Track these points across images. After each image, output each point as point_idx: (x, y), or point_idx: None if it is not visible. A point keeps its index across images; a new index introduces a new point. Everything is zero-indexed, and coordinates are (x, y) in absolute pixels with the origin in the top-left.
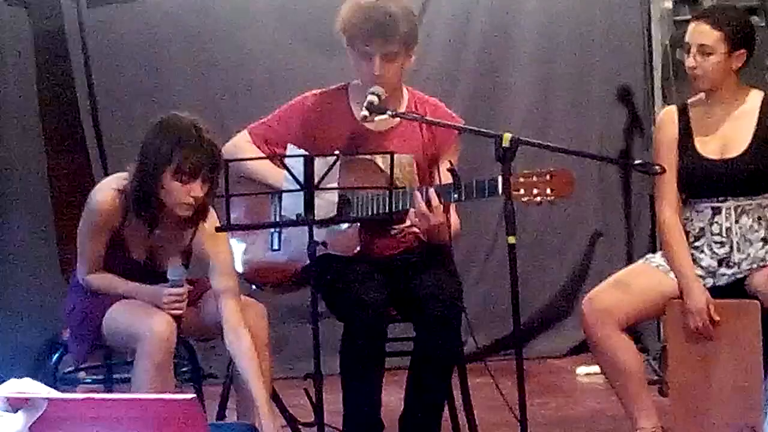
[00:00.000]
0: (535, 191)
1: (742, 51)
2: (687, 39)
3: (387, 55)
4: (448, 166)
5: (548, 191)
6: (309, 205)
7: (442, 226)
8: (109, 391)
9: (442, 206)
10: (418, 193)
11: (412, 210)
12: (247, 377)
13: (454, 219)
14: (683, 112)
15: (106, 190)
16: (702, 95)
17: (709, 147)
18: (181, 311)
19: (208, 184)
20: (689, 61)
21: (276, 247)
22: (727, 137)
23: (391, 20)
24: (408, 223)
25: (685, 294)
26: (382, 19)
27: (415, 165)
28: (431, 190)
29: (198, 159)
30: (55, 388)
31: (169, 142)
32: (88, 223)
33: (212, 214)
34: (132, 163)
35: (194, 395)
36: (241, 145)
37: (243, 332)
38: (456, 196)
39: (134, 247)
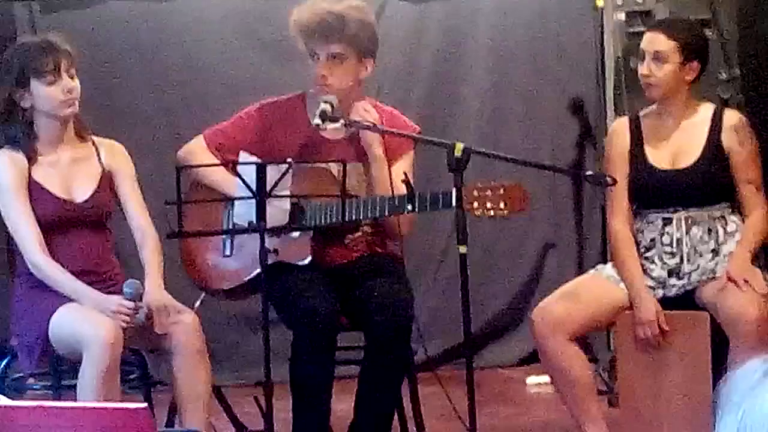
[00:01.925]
0: (488, 205)
1: (696, 63)
2: (642, 47)
3: (332, 56)
4: (403, 177)
5: (502, 205)
6: (261, 212)
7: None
8: (58, 397)
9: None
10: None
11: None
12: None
13: (404, 221)
14: (635, 124)
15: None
16: (654, 107)
17: (660, 157)
18: (126, 324)
19: (74, 78)
20: (643, 69)
21: (228, 253)
22: (678, 148)
23: (337, 21)
24: (360, 232)
25: (635, 304)
26: (328, 19)
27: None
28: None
29: (54, 57)
30: (3, 395)
31: (20, 56)
32: (5, 191)
33: (111, 143)
34: None
35: (145, 404)
36: (195, 151)
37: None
38: (410, 207)
39: (51, 185)
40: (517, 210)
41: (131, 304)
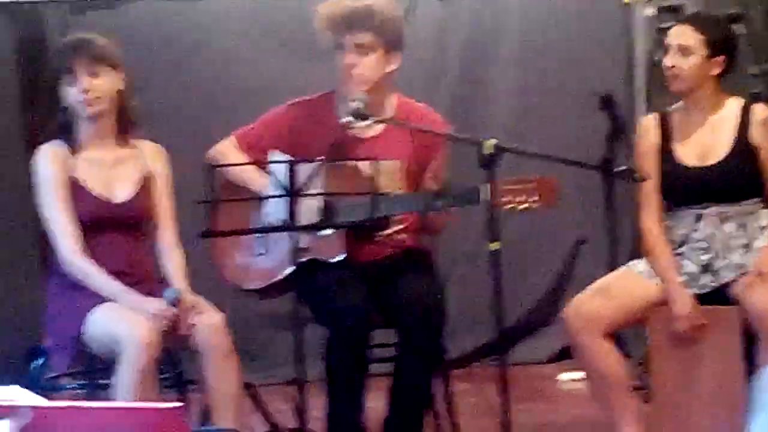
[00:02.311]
0: (519, 198)
1: (722, 57)
2: (668, 40)
3: (359, 46)
4: (433, 174)
5: (533, 199)
6: (292, 210)
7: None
8: (92, 397)
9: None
10: None
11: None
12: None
13: (439, 218)
14: (664, 120)
15: (41, 150)
16: (681, 103)
17: (688, 154)
18: (164, 328)
19: (98, 76)
20: (667, 60)
21: (260, 252)
22: (706, 144)
23: (364, 10)
24: (391, 230)
25: (671, 299)
26: (355, 9)
27: (402, 171)
28: None
29: (71, 56)
30: (38, 395)
31: (54, 58)
32: (45, 187)
33: (153, 146)
34: None
35: (179, 403)
36: (225, 151)
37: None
38: (440, 203)
39: (92, 184)
40: (549, 204)
41: (172, 309)
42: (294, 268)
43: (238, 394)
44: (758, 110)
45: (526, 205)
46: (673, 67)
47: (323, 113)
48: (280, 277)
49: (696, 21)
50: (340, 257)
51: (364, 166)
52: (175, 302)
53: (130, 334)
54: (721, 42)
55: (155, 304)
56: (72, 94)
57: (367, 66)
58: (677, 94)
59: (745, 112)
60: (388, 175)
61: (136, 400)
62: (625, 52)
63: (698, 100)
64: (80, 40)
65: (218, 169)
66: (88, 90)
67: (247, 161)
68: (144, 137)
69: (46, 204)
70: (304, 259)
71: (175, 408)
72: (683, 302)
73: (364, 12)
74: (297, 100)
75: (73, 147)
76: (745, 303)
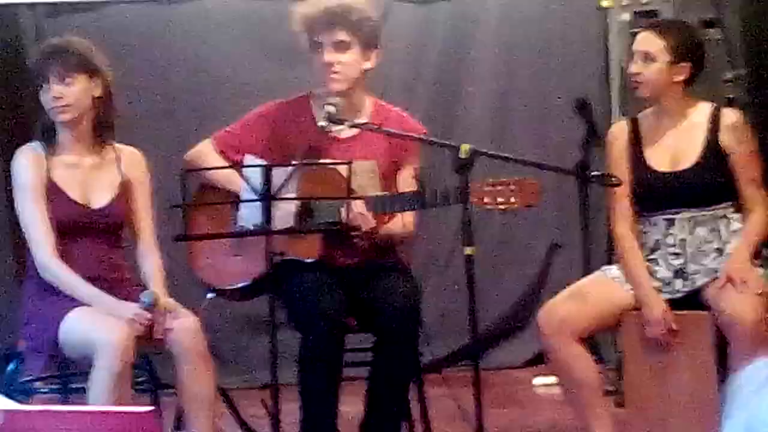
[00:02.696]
0: (499, 199)
1: (686, 63)
2: (633, 47)
3: (337, 44)
4: (412, 175)
5: (512, 199)
6: (267, 214)
7: (376, 232)
8: (66, 401)
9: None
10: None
11: (352, 209)
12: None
13: (407, 219)
14: (634, 126)
15: (20, 152)
16: (651, 109)
17: (659, 160)
18: (139, 332)
19: (70, 83)
20: (632, 67)
21: (237, 252)
22: (677, 149)
23: (341, 9)
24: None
25: (643, 304)
26: (332, 7)
27: (377, 172)
28: (356, 202)
29: (42, 62)
30: (11, 398)
31: (35, 61)
32: (23, 190)
33: (133, 152)
34: None
35: (152, 407)
36: (204, 153)
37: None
38: (419, 203)
39: (70, 189)
40: (528, 204)
41: (148, 314)
42: (269, 269)
43: (212, 398)
44: (728, 114)
45: (504, 206)
46: (637, 73)
47: (300, 115)
48: (255, 276)
49: (659, 27)
50: (314, 257)
51: (340, 167)
52: (151, 306)
53: (105, 338)
54: (685, 48)
55: (131, 308)
56: (42, 99)
57: (347, 63)
58: (643, 100)
59: (715, 116)
60: (365, 174)
61: (110, 404)
62: (601, 56)
63: (666, 106)
64: (54, 46)
65: (194, 172)
66: (59, 97)
67: (223, 165)
68: (123, 142)
69: (23, 208)
70: (279, 260)
71: (148, 412)
72: (656, 307)
73: (341, 10)
74: (274, 102)
75: (53, 150)
76: (716, 308)
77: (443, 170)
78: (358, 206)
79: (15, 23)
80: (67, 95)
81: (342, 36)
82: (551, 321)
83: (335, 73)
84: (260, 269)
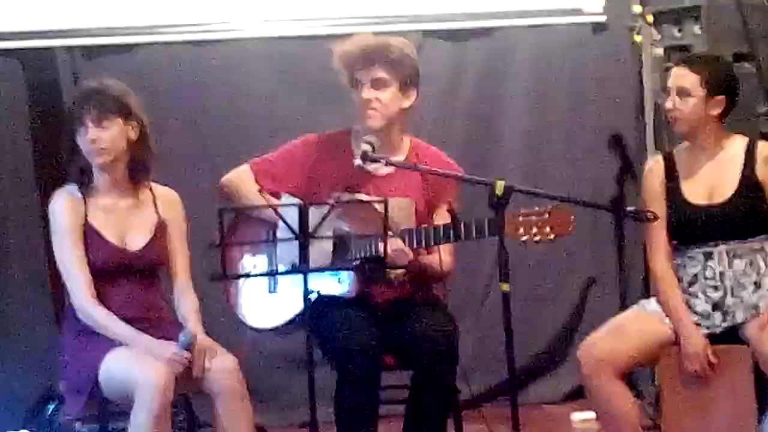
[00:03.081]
0: (534, 230)
1: (721, 97)
2: (668, 83)
3: (375, 81)
4: (448, 207)
5: (547, 229)
6: (304, 254)
7: (415, 267)
8: None
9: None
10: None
11: (391, 241)
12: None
13: (445, 258)
14: (669, 160)
15: (57, 195)
16: (686, 143)
17: (696, 193)
18: (178, 372)
19: (107, 125)
20: (668, 103)
21: (272, 290)
22: (713, 183)
23: (381, 47)
24: (402, 269)
25: (683, 338)
26: (372, 45)
27: (413, 209)
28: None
29: (79, 105)
30: None
31: (71, 104)
32: (61, 233)
33: (168, 192)
34: None
35: None
36: (240, 178)
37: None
38: (454, 235)
39: (107, 231)
40: (563, 234)
41: (186, 354)
42: (305, 310)
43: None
44: (763, 147)
45: (539, 237)
46: (673, 109)
47: (339, 149)
48: (292, 316)
49: (693, 62)
50: (352, 294)
51: (376, 204)
52: (189, 345)
53: (144, 378)
54: (720, 82)
55: (170, 348)
56: (80, 142)
57: (385, 101)
58: (680, 135)
59: (750, 149)
60: (402, 212)
61: None
62: (634, 92)
63: (702, 140)
64: (90, 89)
65: (230, 190)
66: (95, 140)
67: (259, 203)
68: (158, 182)
69: (61, 251)
70: (314, 297)
71: None
72: (694, 342)
73: (380, 48)
74: (315, 135)
75: (89, 192)
76: (757, 346)
77: (478, 208)
78: (396, 242)
79: (53, 65)
80: (103, 139)
81: (380, 74)
82: (591, 358)
83: (372, 109)
84: (296, 306)
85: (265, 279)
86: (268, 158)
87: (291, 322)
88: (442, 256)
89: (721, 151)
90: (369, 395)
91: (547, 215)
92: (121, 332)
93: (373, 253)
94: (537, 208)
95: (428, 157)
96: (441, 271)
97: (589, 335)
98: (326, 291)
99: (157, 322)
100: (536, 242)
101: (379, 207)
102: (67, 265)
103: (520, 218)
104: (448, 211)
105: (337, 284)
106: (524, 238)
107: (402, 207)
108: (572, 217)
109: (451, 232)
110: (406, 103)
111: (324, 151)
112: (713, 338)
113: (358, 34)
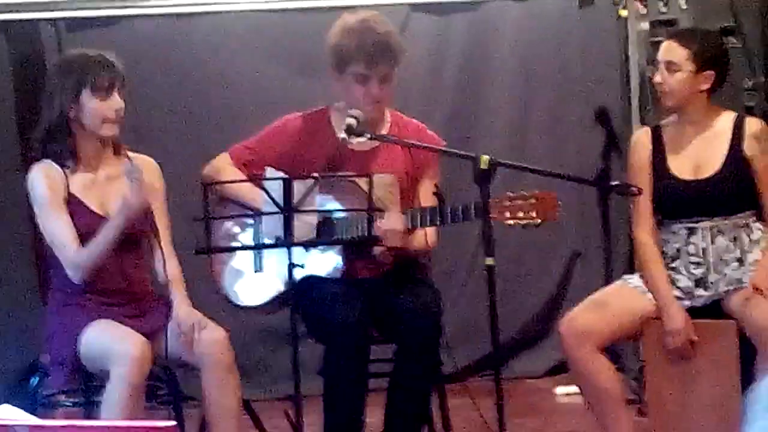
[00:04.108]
0: (520, 214)
1: (710, 72)
2: (657, 57)
3: (384, 77)
4: (432, 189)
5: (533, 214)
6: (288, 227)
7: (403, 249)
8: (89, 414)
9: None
10: (393, 212)
11: (381, 222)
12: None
13: (431, 234)
14: (656, 134)
15: (35, 168)
16: (674, 117)
17: (682, 167)
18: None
19: (122, 99)
20: (656, 77)
21: (258, 268)
22: (699, 158)
23: (386, 42)
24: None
25: (664, 315)
26: (379, 42)
27: (397, 185)
28: (392, 218)
29: (111, 73)
30: (35, 411)
31: (79, 66)
32: (42, 202)
33: (147, 161)
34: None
35: (174, 422)
36: (221, 167)
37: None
38: (440, 219)
39: (89, 199)
40: (549, 218)
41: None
42: (290, 284)
43: (238, 410)
44: (751, 123)
45: (525, 221)
46: (662, 83)
47: (319, 128)
48: (276, 293)
49: (682, 36)
50: (337, 273)
51: (360, 180)
52: (133, 171)
53: (121, 350)
54: (709, 56)
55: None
56: (100, 108)
57: (389, 94)
58: (669, 109)
59: (738, 125)
60: (384, 188)
61: (123, 416)
62: (620, 66)
63: (690, 114)
64: (113, 59)
65: (214, 185)
66: (120, 110)
67: (241, 178)
68: (139, 152)
69: (45, 217)
70: (300, 277)
71: (171, 427)
72: (676, 318)
73: (386, 45)
74: (292, 115)
75: (70, 165)
76: (743, 318)
77: (463, 182)
78: (391, 222)
79: (37, 38)
80: (121, 108)
81: (387, 70)
82: (573, 331)
83: (378, 103)
84: (281, 284)
85: (251, 258)
86: (246, 144)
87: (276, 299)
88: (426, 234)
89: (710, 126)
90: (357, 369)
91: (533, 200)
92: (112, 229)
93: (361, 231)
94: (523, 192)
95: (410, 131)
96: (426, 248)
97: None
98: (311, 268)
99: (141, 295)
100: (522, 227)
101: (363, 184)
102: (54, 230)
103: (507, 202)
104: (435, 194)
105: (322, 262)
106: (510, 222)
107: (385, 184)
108: (558, 202)
109: (438, 215)
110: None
111: (304, 132)
112: (695, 312)
113: (347, 22)
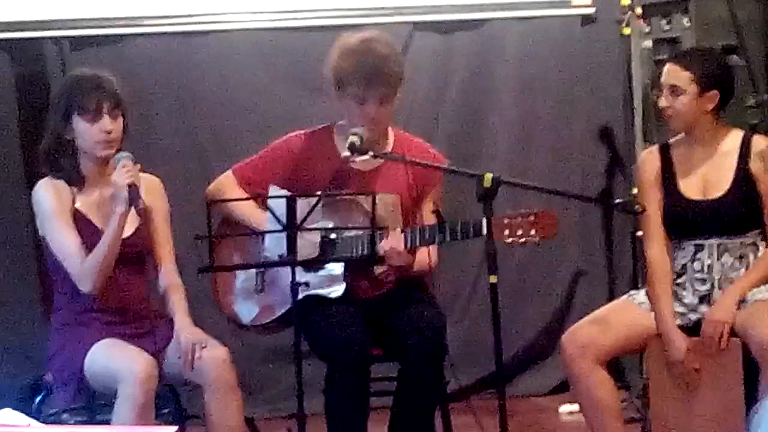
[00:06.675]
0: (519, 232)
1: (714, 92)
2: (661, 80)
3: (382, 99)
4: (433, 207)
5: (533, 232)
6: (291, 245)
7: (406, 268)
8: None
9: (406, 251)
10: (395, 232)
11: (384, 242)
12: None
13: (433, 253)
14: (665, 152)
15: (41, 183)
16: (682, 135)
17: (691, 187)
18: (134, 177)
19: (117, 119)
20: (661, 102)
21: (260, 288)
22: (708, 177)
23: (384, 64)
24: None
25: (666, 343)
26: (377, 64)
27: (399, 205)
28: (392, 238)
29: (98, 95)
30: None
31: (68, 89)
32: (49, 216)
33: (151, 179)
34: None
35: (175, 427)
36: (224, 186)
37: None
38: (441, 237)
39: (95, 216)
40: (548, 236)
41: (129, 163)
42: (292, 304)
43: (240, 428)
44: (758, 142)
45: (524, 239)
46: (667, 107)
47: (323, 146)
48: (279, 314)
49: (684, 59)
50: (339, 292)
51: (362, 199)
52: (126, 157)
53: (127, 369)
54: (711, 77)
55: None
56: (89, 131)
57: (387, 115)
58: (677, 132)
59: (746, 144)
60: (386, 208)
61: None
62: (623, 84)
63: (698, 134)
64: (105, 78)
65: (217, 204)
66: (111, 131)
67: (245, 197)
68: (143, 171)
69: (51, 230)
70: (302, 295)
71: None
72: (677, 347)
73: (385, 67)
74: (296, 133)
75: (75, 182)
76: (747, 335)
77: (466, 200)
78: (393, 242)
79: (41, 57)
80: (116, 131)
81: (386, 91)
82: (573, 343)
83: (379, 123)
84: (284, 304)
85: (253, 278)
86: (249, 163)
87: (278, 320)
88: (429, 252)
89: (718, 145)
90: (359, 388)
91: (532, 217)
92: (109, 236)
93: (363, 250)
94: (523, 210)
95: (413, 149)
96: (428, 267)
97: None
98: (313, 287)
99: (145, 313)
100: (522, 244)
101: (366, 204)
102: (60, 244)
103: (506, 221)
104: (434, 212)
105: (324, 281)
106: (510, 240)
107: (387, 203)
108: (557, 219)
109: (438, 234)
110: (396, 103)
111: (307, 150)
112: (699, 327)
113: (347, 43)
